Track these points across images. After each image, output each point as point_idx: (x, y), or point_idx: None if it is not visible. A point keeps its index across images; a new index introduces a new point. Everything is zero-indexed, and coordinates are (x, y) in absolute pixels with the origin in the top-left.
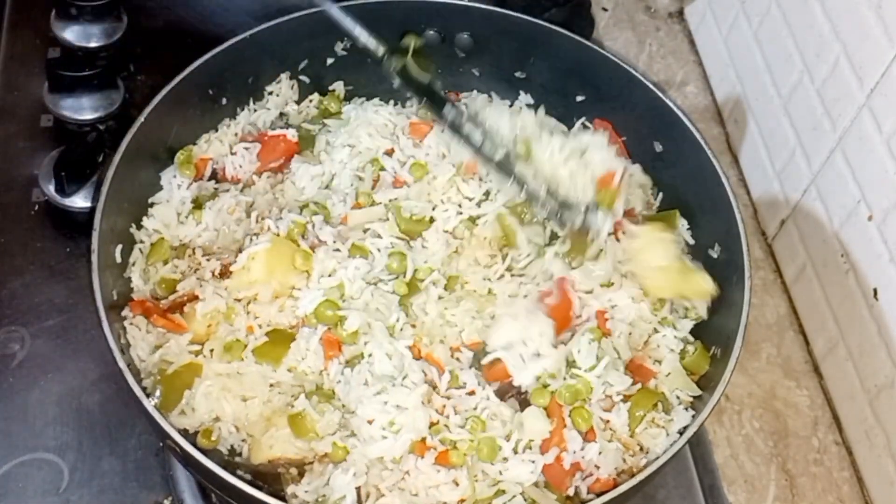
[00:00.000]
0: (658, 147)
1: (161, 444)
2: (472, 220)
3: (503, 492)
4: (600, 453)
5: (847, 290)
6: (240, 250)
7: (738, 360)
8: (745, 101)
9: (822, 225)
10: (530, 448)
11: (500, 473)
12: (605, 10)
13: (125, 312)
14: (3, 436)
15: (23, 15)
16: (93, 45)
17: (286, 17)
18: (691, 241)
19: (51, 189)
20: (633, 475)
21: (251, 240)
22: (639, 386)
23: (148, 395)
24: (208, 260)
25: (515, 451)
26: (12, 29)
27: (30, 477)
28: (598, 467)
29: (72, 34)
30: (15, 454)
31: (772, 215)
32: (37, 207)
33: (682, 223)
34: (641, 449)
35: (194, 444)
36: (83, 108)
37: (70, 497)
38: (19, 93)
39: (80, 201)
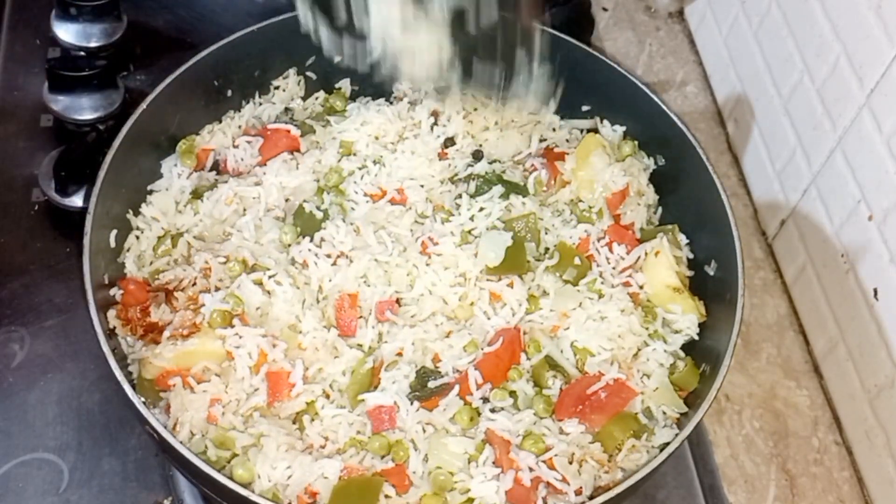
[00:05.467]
0: (660, 161)
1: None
2: (467, 233)
3: (472, 500)
4: (570, 462)
5: (847, 290)
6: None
7: (725, 378)
8: (746, 101)
9: (822, 225)
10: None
11: (469, 491)
12: (605, 10)
13: (114, 291)
14: (3, 436)
15: (23, 15)
16: (93, 45)
17: (295, 13)
18: (690, 256)
19: (51, 189)
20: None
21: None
22: (589, 437)
23: (133, 385)
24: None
25: (472, 463)
26: (12, 29)
27: (30, 477)
28: (567, 482)
29: (72, 34)
30: (15, 454)
31: (772, 215)
32: (37, 207)
33: (681, 238)
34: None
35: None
36: (83, 108)
37: (70, 497)
38: (19, 93)
39: (79, 201)
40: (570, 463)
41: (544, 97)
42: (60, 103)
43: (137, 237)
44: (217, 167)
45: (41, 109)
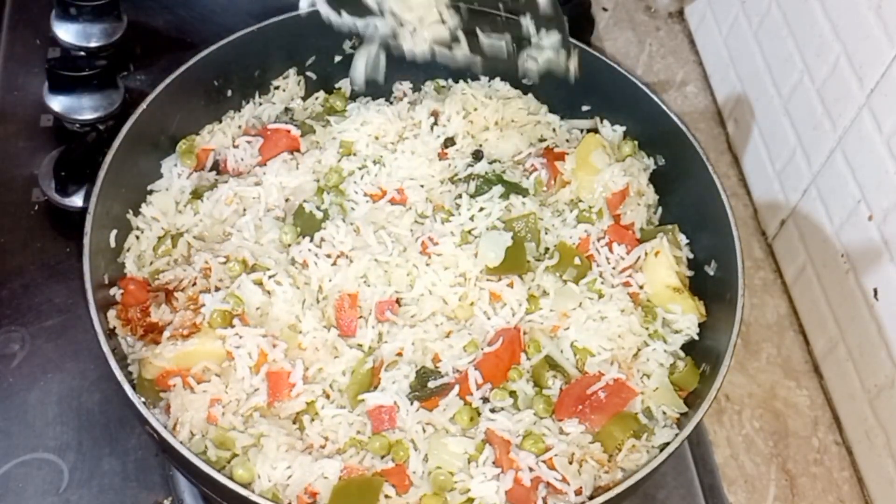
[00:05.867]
0: (660, 161)
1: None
2: (467, 233)
3: (472, 500)
4: (570, 462)
5: (847, 290)
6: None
7: (725, 378)
8: (746, 101)
9: (822, 225)
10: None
11: (469, 491)
12: (605, 10)
13: (114, 291)
14: (3, 436)
15: (23, 15)
16: (93, 45)
17: (295, 13)
18: (690, 255)
19: (51, 189)
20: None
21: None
22: (589, 437)
23: (133, 385)
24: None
25: (472, 463)
26: (12, 29)
27: (30, 477)
28: (567, 482)
29: (72, 34)
30: (15, 454)
31: (772, 215)
32: (37, 207)
33: (681, 238)
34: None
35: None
36: (83, 108)
37: (70, 497)
38: (19, 93)
39: (79, 201)
40: (570, 463)
41: (559, 67)
42: (60, 103)
43: (137, 237)
44: (217, 167)
45: (41, 109)
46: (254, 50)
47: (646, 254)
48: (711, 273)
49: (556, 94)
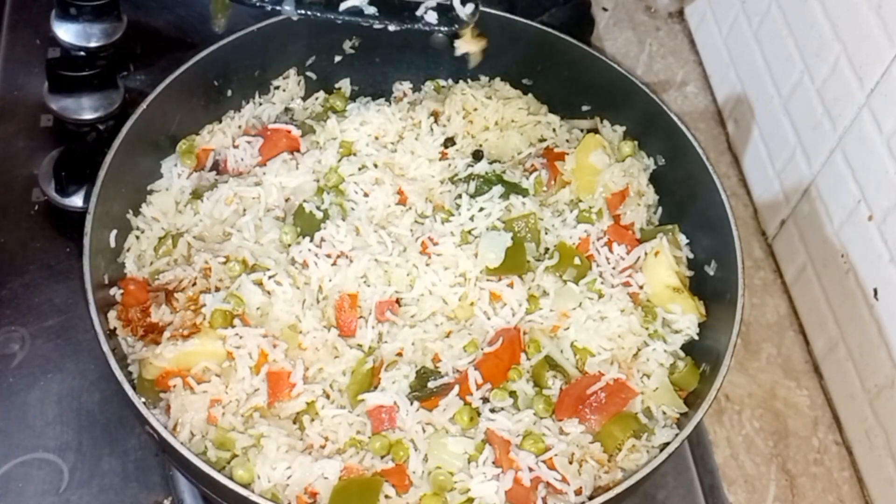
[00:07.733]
0: (660, 161)
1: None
2: (467, 233)
3: (472, 500)
4: (570, 462)
5: (847, 290)
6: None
7: (725, 378)
8: (746, 101)
9: (822, 225)
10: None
11: (469, 491)
12: (605, 10)
13: (114, 291)
14: (3, 436)
15: (23, 15)
16: (93, 45)
17: None
18: (690, 255)
19: (51, 189)
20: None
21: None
22: (589, 437)
23: (133, 385)
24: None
25: (472, 463)
26: (12, 29)
27: (30, 477)
28: (567, 482)
29: (72, 34)
30: (15, 454)
31: (772, 215)
32: (37, 207)
33: (681, 238)
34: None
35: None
36: (83, 108)
37: (70, 497)
38: (19, 93)
39: (79, 201)
40: (570, 463)
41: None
42: (60, 103)
43: (137, 237)
44: (217, 167)
45: (41, 109)
46: (254, 50)
47: (646, 254)
48: (711, 273)
49: (556, 94)
